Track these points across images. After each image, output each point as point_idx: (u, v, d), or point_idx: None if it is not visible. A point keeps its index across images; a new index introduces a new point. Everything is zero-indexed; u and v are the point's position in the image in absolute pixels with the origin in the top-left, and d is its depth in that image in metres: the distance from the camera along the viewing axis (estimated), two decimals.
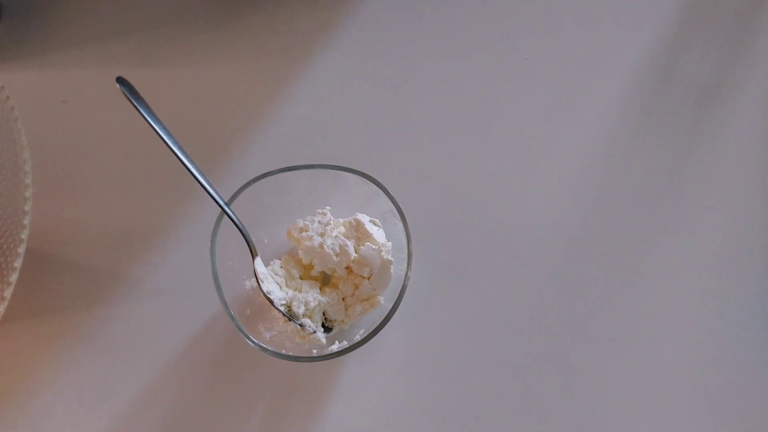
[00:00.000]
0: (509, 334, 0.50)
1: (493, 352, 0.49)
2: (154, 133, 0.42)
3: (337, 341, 0.46)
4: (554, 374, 0.49)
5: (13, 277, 0.41)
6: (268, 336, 0.46)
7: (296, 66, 0.58)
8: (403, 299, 0.45)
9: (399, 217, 0.46)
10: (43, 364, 0.49)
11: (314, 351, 0.46)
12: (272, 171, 0.47)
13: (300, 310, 0.47)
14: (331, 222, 0.49)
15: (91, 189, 0.54)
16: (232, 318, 0.44)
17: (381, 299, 0.48)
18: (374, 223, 0.49)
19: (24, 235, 0.42)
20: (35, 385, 0.48)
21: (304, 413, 0.48)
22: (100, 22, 0.59)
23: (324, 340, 0.47)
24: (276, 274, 0.48)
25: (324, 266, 0.48)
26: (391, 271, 0.48)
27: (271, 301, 0.46)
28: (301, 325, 0.47)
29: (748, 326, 0.50)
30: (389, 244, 0.48)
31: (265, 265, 0.48)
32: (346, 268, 0.48)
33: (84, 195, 0.53)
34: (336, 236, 0.48)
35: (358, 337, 0.45)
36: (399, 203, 0.47)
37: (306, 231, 0.48)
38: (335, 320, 0.48)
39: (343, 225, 0.49)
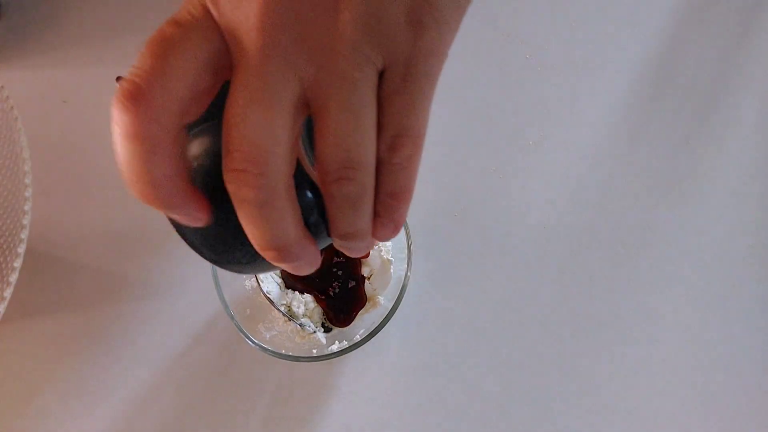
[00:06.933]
0: (509, 334, 0.50)
1: (494, 352, 0.49)
2: None
3: (337, 341, 0.46)
4: (554, 374, 0.49)
5: (13, 277, 0.41)
6: (268, 336, 0.46)
7: None
8: (403, 299, 0.45)
9: None
10: (43, 364, 0.49)
11: (314, 351, 0.46)
12: None
13: (300, 310, 0.47)
14: None
15: (91, 189, 0.53)
16: (232, 318, 0.44)
17: (381, 299, 0.48)
18: None
19: (24, 235, 0.42)
20: (35, 385, 0.48)
21: (304, 413, 0.48)
22: (100, 22, 0.59)
23: (324, 340, 0.47)
24: (276, 275, 0.48)
25: None
26: (391, 271, 0.48)
27: (271, 301, 0.46)
28: (301, 325, 0.47)
29: (747, 327, 0.50)
30: (389, 244, 0.48)
31: None
32: None
33: (84, 195, 0.53)
34: None
35: (358, 337, 0.45)
36: None
37: None
38: None
39: None
